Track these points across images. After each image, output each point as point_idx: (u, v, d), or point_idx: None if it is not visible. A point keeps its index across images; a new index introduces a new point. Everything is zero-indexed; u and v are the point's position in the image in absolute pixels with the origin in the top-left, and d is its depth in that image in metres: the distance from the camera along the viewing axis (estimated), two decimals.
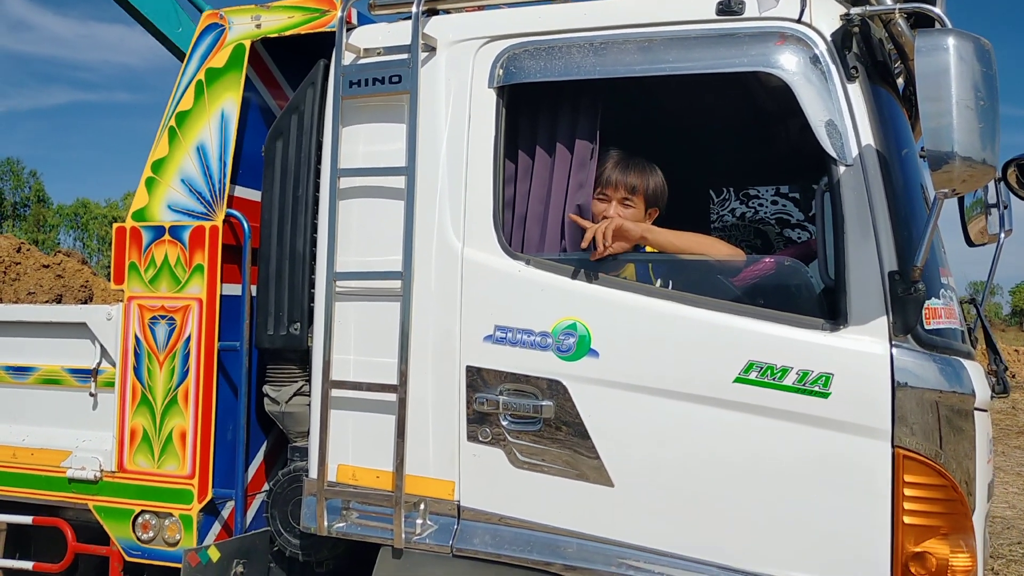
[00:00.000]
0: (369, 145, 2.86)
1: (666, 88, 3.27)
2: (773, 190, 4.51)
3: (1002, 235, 3.86)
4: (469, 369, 2.65)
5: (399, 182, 2.76)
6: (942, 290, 2.53)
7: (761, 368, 2.38)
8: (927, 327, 2.38)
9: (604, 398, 2.53)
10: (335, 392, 2.79)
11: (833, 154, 2.39)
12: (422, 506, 2.67)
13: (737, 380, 2.40)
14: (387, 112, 2.84)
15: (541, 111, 2.80)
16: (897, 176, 2.43)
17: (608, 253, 2.58)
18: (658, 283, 2.65)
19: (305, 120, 3.01)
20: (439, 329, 2.70)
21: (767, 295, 2.55)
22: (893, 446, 2.31)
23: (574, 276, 2.60)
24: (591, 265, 2.63)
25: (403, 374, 2.69)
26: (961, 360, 2.43)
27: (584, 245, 2.59)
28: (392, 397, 2.70)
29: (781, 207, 4.52)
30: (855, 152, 2.40)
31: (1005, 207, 3.99)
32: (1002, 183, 4.09)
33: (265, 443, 3.30)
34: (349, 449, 2.80)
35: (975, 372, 2.45)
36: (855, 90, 2.44)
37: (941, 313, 2.47)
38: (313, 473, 2.81)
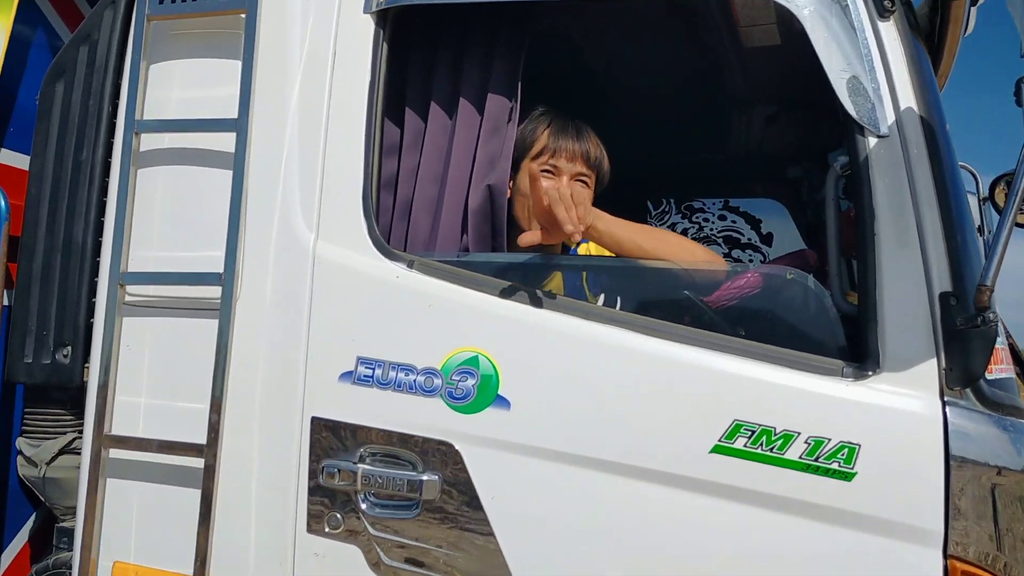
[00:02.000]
0: (187, 89, 1.96)
1: (605, 53, 2.51)
2: (721, 203, 3.79)
3: None
4: (316, 423, 1.77)
5: (226, 142, 1.87)
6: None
7: (752, 432, 1.58)
8: (988, 377, 1.63)
9: (517, 472, 1.68)
10: (115, 452, 1.86)
11: (858, 117, 1.64)
12: None
13: (717, 449, 1.59)
14: (214, 43, 1.95)
15: (439, 50, 1.96)
16: (946, 154, 1.69)
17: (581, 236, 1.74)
18: (598, 300, 1.83)
19: (99, 54, 2.08)
20: (274, 361, 1.81)
21: (757, 323, 1.76)
22: (946, 556, 1.54)
23: (478, 287, 1.75)
24: (504, 270, 1.80)
25: (215, 428, 1.78)
26: None
27: (562, 217, 1.68)
28: (198, 463, 1.79)
29: (730, 223, 3.80)
30: (890, 117, 1.65)
31: (990, 232, 3.37)
32: (987, 203, 3.48)
33: (33, 518, 2.31)
34: (131, 539, 1.86)
35: None
36: (890, 31, 1.70)
37: (1001, 357, 1.73)
38: (76, 574, 1.87)
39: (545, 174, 1.98)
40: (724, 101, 2.85)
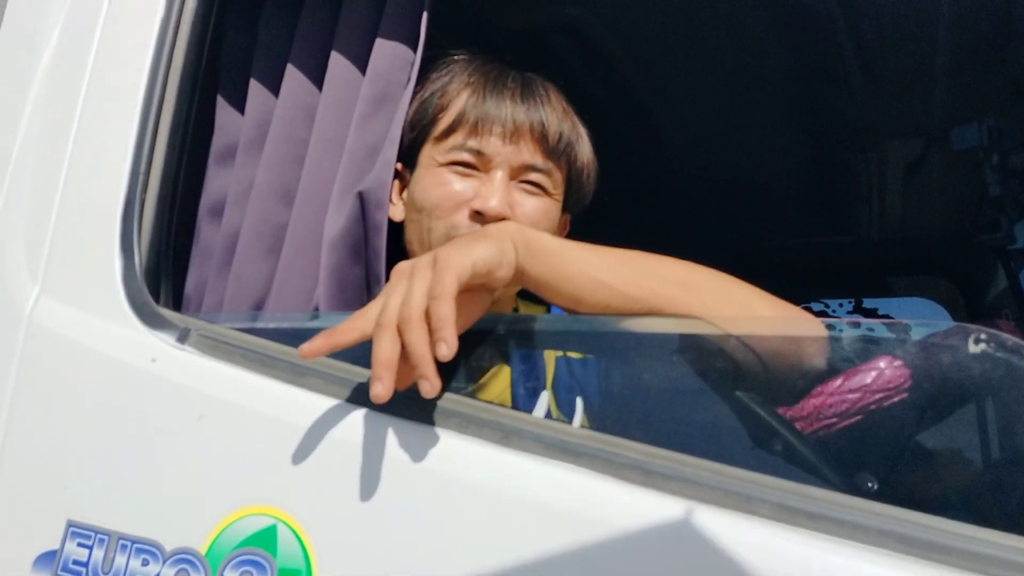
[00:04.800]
0: None
1: (645, 51, 1.65)
2: (851, 304, 2.76)
3: None
4: None
5: None
6: None
7: None
8: None
9: None
10: None
11: None
12: None
13: None
14: None
15: None
16: None
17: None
18: (576, 416, 0.86)
19: None
20: None
21: (928, 468, 0.75)
22: None
23: (303, 381, 0.84)
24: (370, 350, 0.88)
25: None
26: None
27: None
28: None
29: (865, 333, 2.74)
30: None
31: None
32: None
33: None
34: None
35: None
36: None
37: None
38: None
39: (456, 169, 1.04)
40: (845, 127, 1.89)
